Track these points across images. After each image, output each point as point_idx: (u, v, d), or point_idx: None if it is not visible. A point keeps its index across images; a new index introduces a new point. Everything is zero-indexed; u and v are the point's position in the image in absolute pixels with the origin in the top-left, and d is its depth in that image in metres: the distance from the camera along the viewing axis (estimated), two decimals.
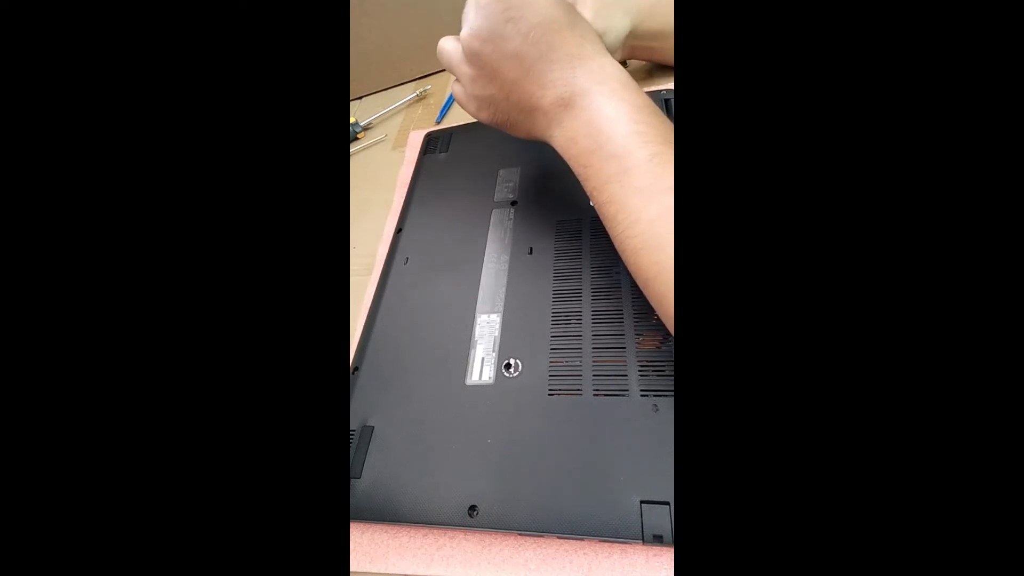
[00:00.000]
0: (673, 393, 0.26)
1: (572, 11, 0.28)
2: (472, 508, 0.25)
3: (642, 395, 0.26)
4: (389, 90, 0.57)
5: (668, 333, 0.28)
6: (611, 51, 0.37)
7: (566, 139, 0.27)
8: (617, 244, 0.26)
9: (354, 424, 0.30)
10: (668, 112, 0.38)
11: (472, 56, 0.28)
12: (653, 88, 0.43)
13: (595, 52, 0.27)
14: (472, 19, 0.28)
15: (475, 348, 0.31)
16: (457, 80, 0.31)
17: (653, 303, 0.26)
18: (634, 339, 0.28)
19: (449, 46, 0.31)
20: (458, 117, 0.50)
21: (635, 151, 0.25)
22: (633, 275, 0.26)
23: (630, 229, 0.25)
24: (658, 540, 0.22)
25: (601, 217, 0.27)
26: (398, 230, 0.40)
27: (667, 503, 0.23)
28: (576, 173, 0.27)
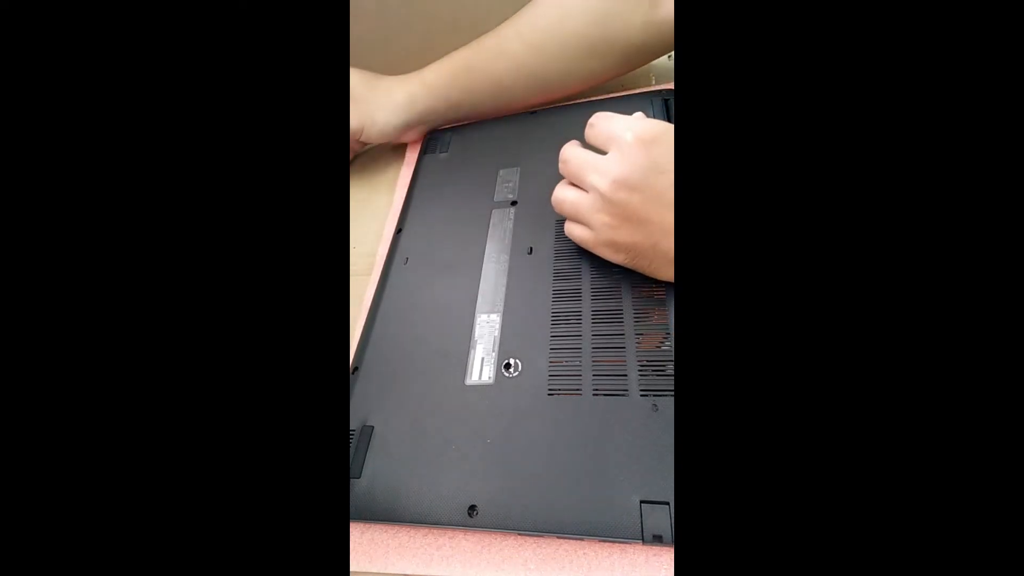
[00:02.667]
0: (673, 393, 0.26)
1: None
2: (472, 508, 0.25)
3: (642, 395, 0.26)
4: None
5: (668, 333, 0.28)
6: (385, 138, 0.45)
7: None
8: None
9: (354, 424, 0.30)
10: (668, 112, 0.38)
11: (615, 205, 0.28)
12: (654, 88, 0.43)
13: None
14: (616, 167, 0.27)
15: (475, 348, 0.31)
16: (582, 224, 0.30)
17: None
18: (634, 339, 0.28)
19: (572, 196, 0.30)
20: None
21: None
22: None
23: None
24: (658, 540, 0.22)
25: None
26: (398, 230, 0.40)
27: (667, 503, 0.23)
28: None
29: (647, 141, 0.27)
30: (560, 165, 0.31)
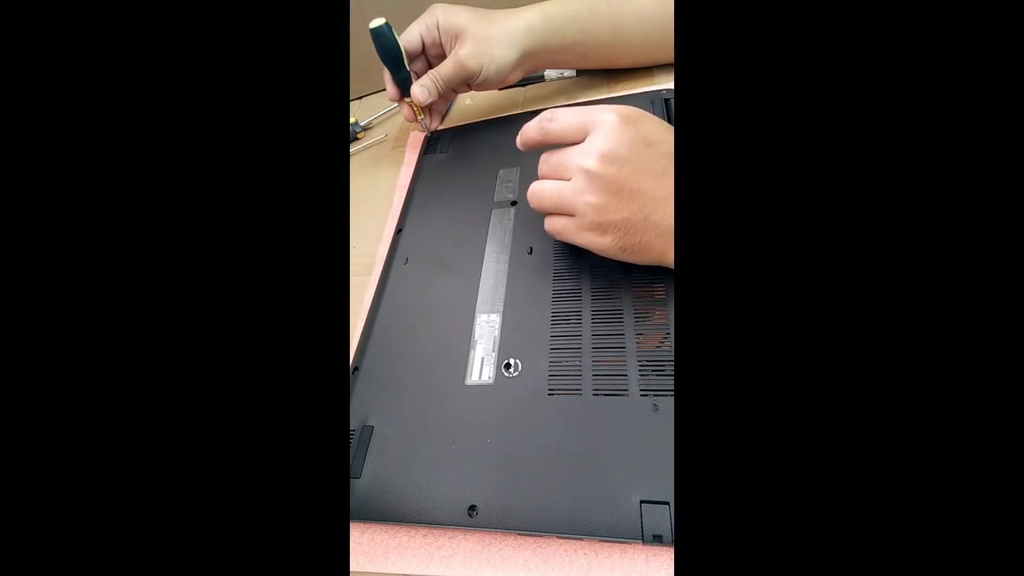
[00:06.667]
0: (673, 393, 0.26)
1: None
2: (472, 508, 0.25)
3: (642, 395, 0.26)
4: None
5: (668, 333, 0.28)
6: (500, 78, 0.42)
7: None
8: None
9: (354, 424, 0.30)
10: (668, 112, 0.38)
11: (603, 180, 0.27)
12: (653, 88, 0.43)
13: None
14: (601, 143, 0.26)
15: (475, 348, 0.31)
16: (564, 215, 0.29)
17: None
18: (634, 339, 0.28)
19: (552, 184, 0.29)
20: (458, 117, 0.50)
21: None
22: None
23: None
24: (658, 540, 0.22)
25: None
26: (398, 230, 0.40)
27: (667, 503, 0.23)
28: None
29: (632, 118, 0.27)
30: (540, 167, 0.30)
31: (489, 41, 0.40)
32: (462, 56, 0.40)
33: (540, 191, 0.30)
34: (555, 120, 0.29)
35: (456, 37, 0.41)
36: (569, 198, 0.28)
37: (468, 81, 0.42)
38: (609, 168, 0.26)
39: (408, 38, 0.42)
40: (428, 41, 0.42)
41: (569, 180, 0.28)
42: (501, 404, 0.28)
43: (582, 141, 0.28)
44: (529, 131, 0.30)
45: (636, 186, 0.26)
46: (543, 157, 0.30)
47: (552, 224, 0.30)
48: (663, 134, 0.27)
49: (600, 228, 0.28)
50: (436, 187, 0.42)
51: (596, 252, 0.29)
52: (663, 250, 0.28)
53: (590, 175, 0.27)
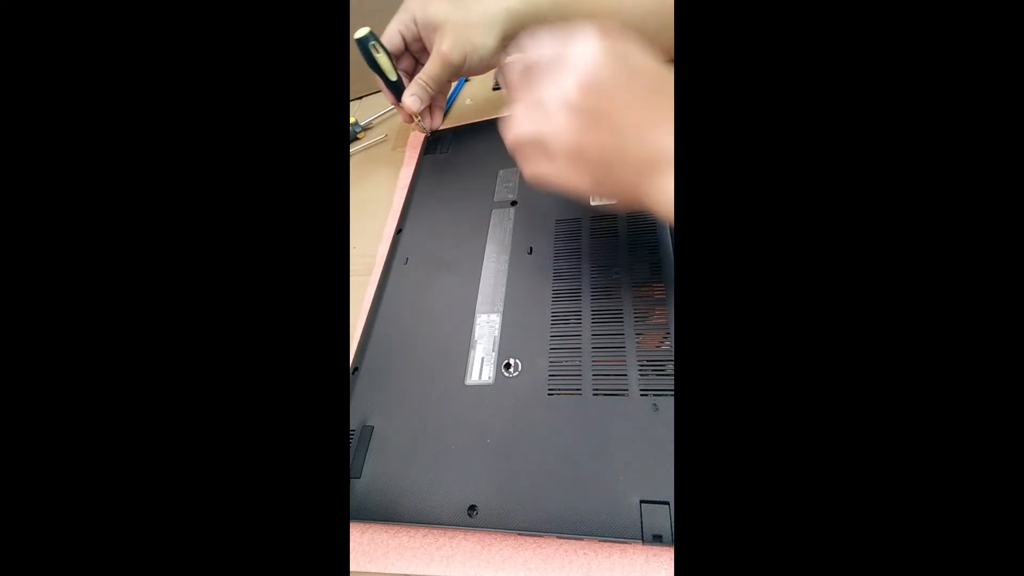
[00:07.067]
0: (673, 392, 0.26)
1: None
2: (472, 508, 0.25)
3: (642, 395, 0.26)
4: None
5: (668, 333, 0.28)
6: (484, 64, 0.41)
7: None
8: None
9: (354, 424, 0.30)
10: None
11: (585, 96, 0.24)
12: None
13: None
14: (582, 59, 0.24)
15: (475, 348, 0.31)
16: (542, 157, 0.27)
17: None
18: (634, 339, 0.28)
19: (528, 127, 0.27)
20: (458, 117, 0.50)
21: None
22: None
23: None
24: (658, 540, 0.22)
25: None
26: (398, 230, 0.40)
27: (667, 503, 0.23)
28: None
29: (615, 49, 0.25)
30: (515, 107, 0.27)
31: (469, 30, 0.39)
32: (445, 51, 0.39)
33: (518, 133, 0.27)
34: (532, 50, 0.27)
35: (435, 30, 0.40)
36: (547, 133, 0.26)
37: (455, 74, 0.42)
38: (588, 100, 0.24)
39: (388, 37, 0.41)
40: (409, 37, 0.42)
41: (545, 113, 0.26)
42: (501, 404, 0.28)
43: (560, 72, 0.25)
44: (510, 71, 0.28)
45: (610, 107, 0.24)
46: (517, 87, 0.28)
47: (533, 169, 0.28)
48: (645, 61, 0.25)
49: (573, 156, 0.26)
50: (436, 187, 0.42)
51: (577, 194, 0.27)
52: (636, 184, 0.25)
53: (581, 85, 0.24)
